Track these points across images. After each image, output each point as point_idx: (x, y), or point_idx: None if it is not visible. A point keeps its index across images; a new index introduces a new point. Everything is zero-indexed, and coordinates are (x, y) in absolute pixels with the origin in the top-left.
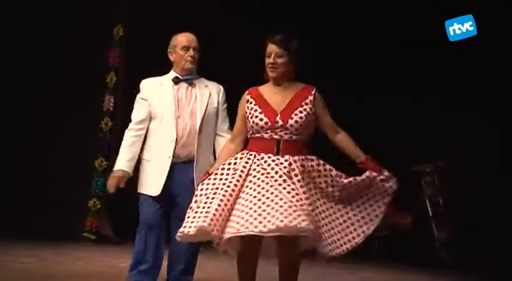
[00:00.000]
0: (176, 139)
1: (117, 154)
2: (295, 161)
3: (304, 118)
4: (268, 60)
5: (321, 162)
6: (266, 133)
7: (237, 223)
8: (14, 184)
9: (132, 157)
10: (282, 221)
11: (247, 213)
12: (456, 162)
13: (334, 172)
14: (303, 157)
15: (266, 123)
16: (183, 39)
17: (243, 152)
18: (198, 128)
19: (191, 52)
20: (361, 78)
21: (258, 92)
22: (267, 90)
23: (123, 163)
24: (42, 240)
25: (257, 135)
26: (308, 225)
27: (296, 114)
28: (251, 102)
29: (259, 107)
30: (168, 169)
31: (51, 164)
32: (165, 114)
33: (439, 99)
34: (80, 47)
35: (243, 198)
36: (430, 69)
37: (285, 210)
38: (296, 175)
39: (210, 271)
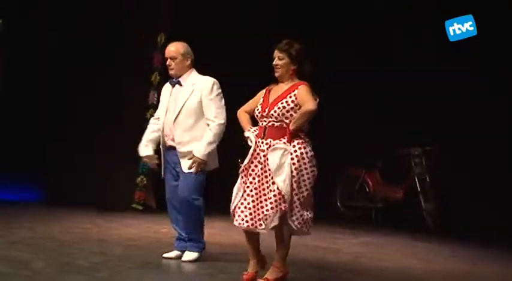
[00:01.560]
0: (162, 130)
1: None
2: (273, 144)
3: (282, 108)
4: (273, 63)
5: (289, 148)
6: (260, 121)
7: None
8: (76, 164)
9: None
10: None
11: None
12: (439, 147)
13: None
14: (283, 141)
15: (259, 112)
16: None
17: (258, 140)
18: (173, 119)
19: (168, 62)
20: (361, 78)
21: (270, 88)
22: (275, 87)
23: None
24: (98, 210)
25: (259, 123)
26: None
27: (278, 105)
28: (263, 96)
29: (262, 99)
30: (162, 154)
31: (107, 148)
32: (161, 111)
33: (438, 98)
34: (131, 52)
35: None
36: (430, 69)
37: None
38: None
39: (234, 235)
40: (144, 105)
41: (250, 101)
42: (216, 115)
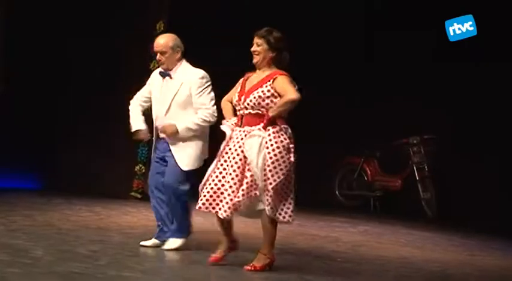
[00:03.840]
0: (155, 120)
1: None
2: (249, 132)
3: (258, 98)
4: (251, 49)
5: (265, 136)
6: (237, 110)
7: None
8: (75, 153)
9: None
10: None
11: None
12: (437, 136)
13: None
14: (258, 127)
15: (236, 101)
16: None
17: (235, 129)
18: (164, 112)
19: (158, 56)
20: (361, 79)
21: (248, 75)
22: (252, 75)
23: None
24: (97, 198)
25: (237, 112)
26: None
27: (254, 95)
28: (240, 84)
29: (240, 88)
30: (153, 144)
31: (105, 137)
32: (153, 100)
33: (438, 97)
34: (130, 40)
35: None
36: (430, 69)
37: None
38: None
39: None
40: None
41: (232, 90)
42: (204, 103)
